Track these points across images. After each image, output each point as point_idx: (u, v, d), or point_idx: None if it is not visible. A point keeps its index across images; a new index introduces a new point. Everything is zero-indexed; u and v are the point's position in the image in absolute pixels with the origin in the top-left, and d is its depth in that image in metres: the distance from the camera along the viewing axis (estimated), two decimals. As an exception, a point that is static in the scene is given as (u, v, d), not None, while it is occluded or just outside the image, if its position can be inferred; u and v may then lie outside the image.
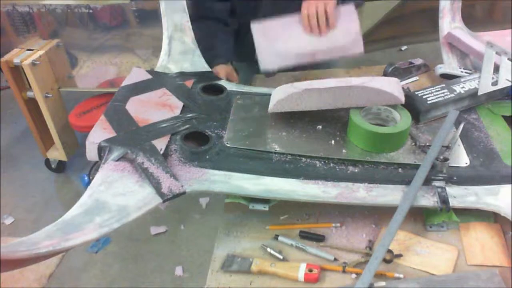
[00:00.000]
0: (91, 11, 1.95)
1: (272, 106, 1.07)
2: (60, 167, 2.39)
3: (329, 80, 1.05)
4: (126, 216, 0.80)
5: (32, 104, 2.11)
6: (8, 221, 2.14)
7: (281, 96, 1.05)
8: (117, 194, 0.84)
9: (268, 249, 0.87)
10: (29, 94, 2.06)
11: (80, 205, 0.82)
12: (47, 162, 2.38)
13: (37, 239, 0.72)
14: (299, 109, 1.06)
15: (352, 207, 0.93)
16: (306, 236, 0.89)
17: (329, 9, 1.23)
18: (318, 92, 1.02)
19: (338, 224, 0.91)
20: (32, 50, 2.01)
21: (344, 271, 0.81)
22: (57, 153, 2.29)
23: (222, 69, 1.35)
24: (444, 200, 0.86)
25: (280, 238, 0.89)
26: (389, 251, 0.84)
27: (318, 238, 0.89)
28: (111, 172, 0.89)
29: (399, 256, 0.83)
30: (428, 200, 0.88)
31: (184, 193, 0.87)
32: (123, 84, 1.20)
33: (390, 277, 0.79)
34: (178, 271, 1.86)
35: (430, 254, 0.84)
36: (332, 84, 1.02)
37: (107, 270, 1.86)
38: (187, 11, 1.35)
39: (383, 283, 0.78)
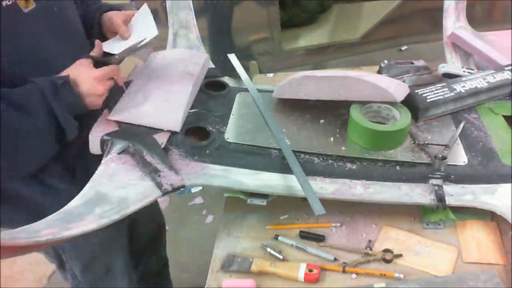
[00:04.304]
0: (91, 11, 1.94)
1: (275, 92, 1.14)
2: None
3: (328, 71, 1.13)
4: (126, 208, 0.81)
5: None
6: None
7: (283, 82, 1.11)
8: (118, 186, 0.85)
9: (268, 249, 0.87)
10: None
11: (81, 196, 0.83)
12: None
13: (38, 227, 0.73)
14: (300, 97, 1.09)
15: (352, 207, 0.93)
16: (306, 236, 0.89)
17: None
18: (316, 80, 1.07)
19: (338, 224, 0.91)
20: (32, 50, 2.01)
21: (344, 271, 0.81)
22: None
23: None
24: (440, 198, 0.86)
25: (280, 238, 0.89)
26: (389, 251, 0.84)
27: (318, 238, 0.89)
28: (113, 165, 0.90)
29: (399, 256, 0.83)
30: (425, 197, 0.88)
31: (183, 186, 0.88)
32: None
33: (390, 277, 0.79)
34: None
35: (430, 254, 0.84)
36: (330, 74, 1.08)
37: (107, 270, 1.86)
38: (192, 8, 1.35)
39: (383, 284, 0.78)
